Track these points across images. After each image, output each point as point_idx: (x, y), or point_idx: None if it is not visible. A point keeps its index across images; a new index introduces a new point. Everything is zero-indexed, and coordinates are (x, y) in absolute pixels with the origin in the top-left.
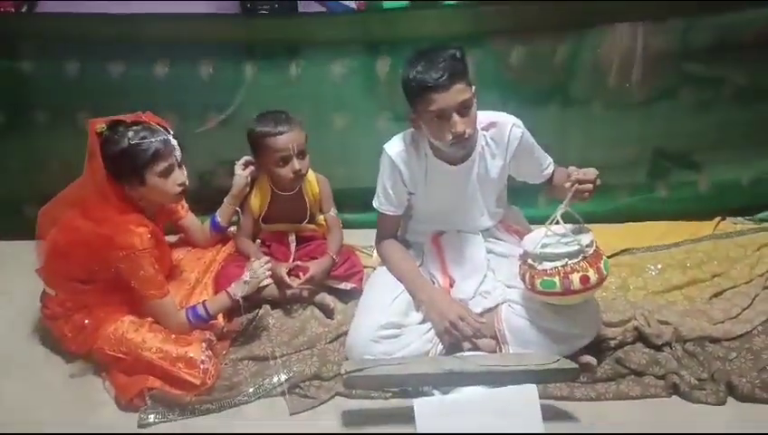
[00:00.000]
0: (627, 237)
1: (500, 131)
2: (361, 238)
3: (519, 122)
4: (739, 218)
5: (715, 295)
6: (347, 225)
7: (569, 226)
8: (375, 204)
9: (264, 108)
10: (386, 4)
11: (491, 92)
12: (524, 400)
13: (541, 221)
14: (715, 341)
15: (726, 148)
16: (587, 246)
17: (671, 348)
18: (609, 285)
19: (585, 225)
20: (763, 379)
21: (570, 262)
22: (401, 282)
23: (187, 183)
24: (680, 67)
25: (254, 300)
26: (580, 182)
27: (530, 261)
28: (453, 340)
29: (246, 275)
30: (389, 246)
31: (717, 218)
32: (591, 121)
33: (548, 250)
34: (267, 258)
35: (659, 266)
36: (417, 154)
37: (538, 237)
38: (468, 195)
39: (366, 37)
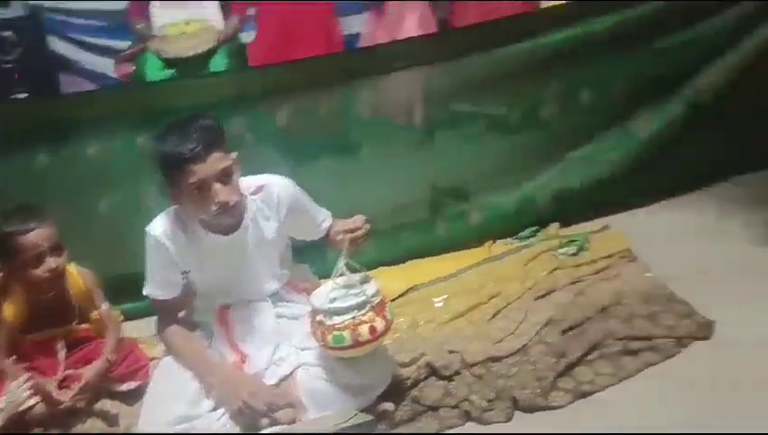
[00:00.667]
0: (412, 276)
1: (269, 193)
2: (144, 328)
3: (287, 181)
4: (508, 239)
5: (494, 315)
6: (129, 316)
7: (354, 276)
8: (146, 291)
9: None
10: (149, 76)
11: (265, 154)
12: None
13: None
14: (497, 359)
15: (491, 177)
16: (372, 295)
17: (461, 376)
18: (400, 325)
19: (368, 273)
20: (542, 387)
21: (357, 314)
22: (187, 367)
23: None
24: (444, 107)
25: (21, 427)
26: (351, 231)
27: (319, 317)
28: (249, 420)
29: (1, 401)
30: (171, 333)
31: (488, 243)
32: (369, 168)
33: (336, 304)
34: (27, 375)
35: (444, 297)
36: (184, 230)
37: (325, 292)
38: (248, 264)
39: (130, 111)
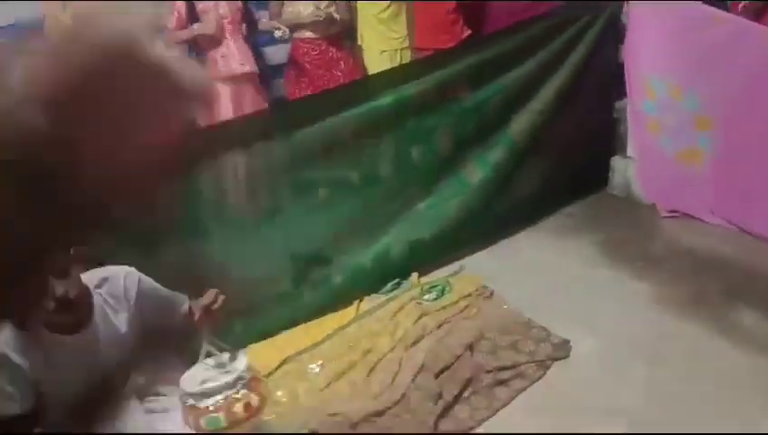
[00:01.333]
0: (284, 347)
1: (114, 284)
2: None
3: (131, 269)
4: (373, 296)
5: (371, 371)
6: None
7: (223, 355)
8: None
9: None
10: None
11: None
12: None
13: None
14: (380, 413)
15: (345, 238)
16: (243, 371)
17: None
18: (280, 398)
19: (236, 351)
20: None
21: (230, 393)
22: None
23: None
24: (288, 178)
25: None
26: (206, 308)
27: (191, 402)
28: None
29: None
30: None
31: (356, 302)
32: (222, 248)
33: (207, 386)
34: None
35: (320, 363)
36: (22, 339)
37: (195, 375)
38: (102, 363)
39: None
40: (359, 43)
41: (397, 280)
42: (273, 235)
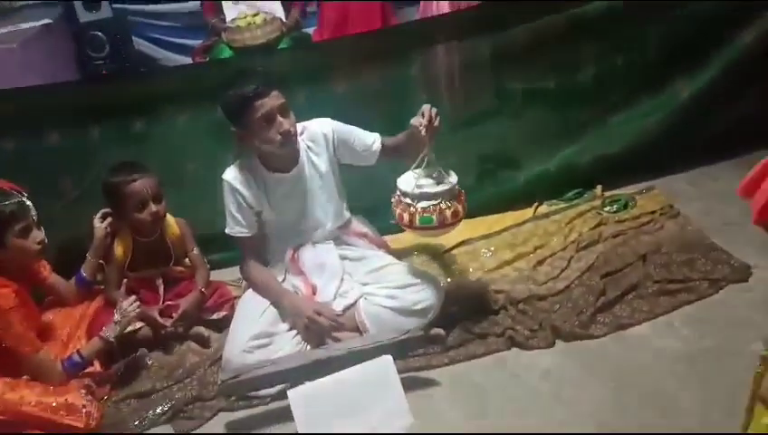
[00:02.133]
0: (463, 231)
1: (312, 132)
2: (228, 275)
3: (325, 119)
4: (553, 201)
5: (539, 263)
6: (214, 265)
7: (434, 168)
8: (227, 230)
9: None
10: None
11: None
12: (382, 369)
13: (384, 232)
14: (542, 298)
15: (538, 142)
16: (455, 184)
17: (506, 310)
18: (453, 271)
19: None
20: (581, 320)
21: (443, 200)
22: (265, 296)
23: (46, 240)
24: (493, 81)
25: (130, 344)
26: (429, 120)
27: (408, 200)
28: (316, 337)
29: (117, 316)
30: (251, 267)
31: (535, 204)
32: None
33: (425, 190)
34: (134, 297)
35: (492, 249)
36: (252, 174)
37: (411, 179)
38: (310, 197)
39: (204, 87)
40: None
41: (580, 189)
42: (464, 133)
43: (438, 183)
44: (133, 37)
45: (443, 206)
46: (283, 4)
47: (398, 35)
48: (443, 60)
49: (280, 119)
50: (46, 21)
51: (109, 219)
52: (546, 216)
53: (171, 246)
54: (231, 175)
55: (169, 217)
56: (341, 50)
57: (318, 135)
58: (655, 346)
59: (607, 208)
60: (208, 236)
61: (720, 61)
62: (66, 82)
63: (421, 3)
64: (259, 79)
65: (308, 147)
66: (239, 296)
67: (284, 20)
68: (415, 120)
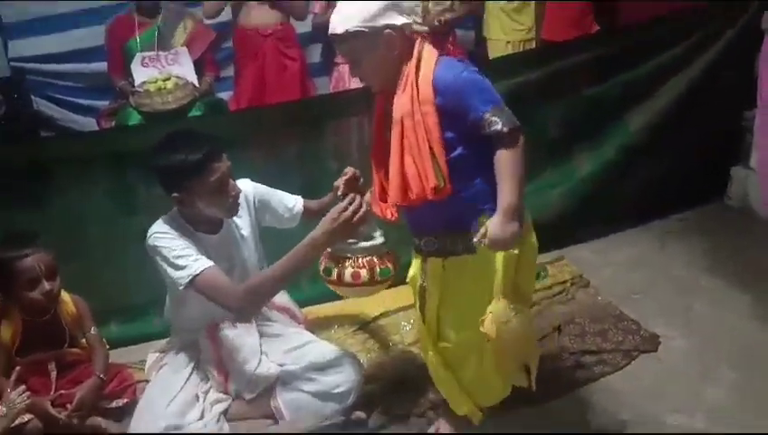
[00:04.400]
0: (384, 302)
1: None
2: (131, 355)
3: (246, 180)
4: None
5: None
6: (116, 343)
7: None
8: (184, 278)
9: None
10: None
11: None
12: None
13: (304, 303)
14: None
15: None
16: (384, 242)
17: (426, 389)
18: (372, 345)
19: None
20: None
21: (375, 256)
22: (293, 270)
23: None
24: None
25: None
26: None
27: (338, 254)
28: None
29: (2, 408)
30: (247, 286)
31: None
32: None
33: (358, 244)
34: (23, 387)
35: (411, 321)
36: (183, 232)
37: None
38: (232, 263)
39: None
40: (483, 33)
41: None
42: None
43: (367, 239)
44: (33, 97)
45: (376, 261)
46: (196, 67)
47: (316, 106)
48: (358, 131)
49: (232, 181)
50: None
51: None
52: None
53: (66, 326)
54: (164, 228)
55: (65, 295)
56: (260, 119)
57: (239, 196)
58: (570, 421)
59: None
60: (111, 309)
61: (614, 139)
62: None
63: (333, 75)
64: (208, 140)
65: None
66: (142, 381)
67: (197, 84)
68: (337, 181)
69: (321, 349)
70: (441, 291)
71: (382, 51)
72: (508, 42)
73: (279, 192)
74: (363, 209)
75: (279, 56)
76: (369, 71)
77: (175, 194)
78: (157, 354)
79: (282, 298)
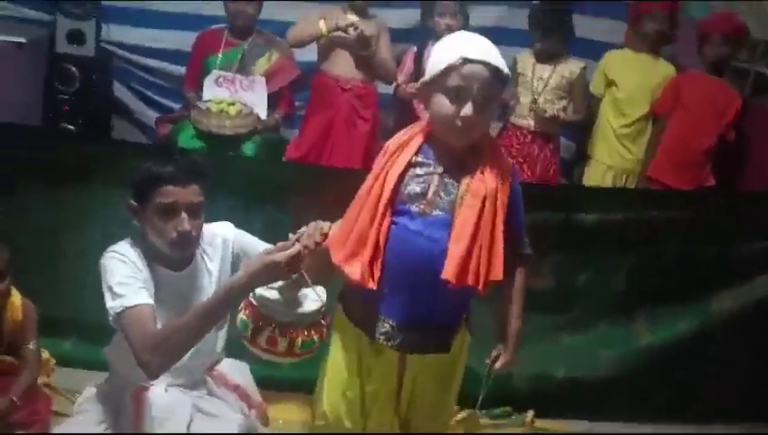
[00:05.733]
0: None
1: (212, 235)
2: (77, 381)
3: (227, 223)
4: (477, 412)
5: None
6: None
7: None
8: (118, 304)
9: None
10: (180, 141)
11: None
12: None
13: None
14: None
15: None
16: (317, 310)
17: None
18: None
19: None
20: None
21: (297, 325)
22: (209, 316)
23: None
24: None
25: None
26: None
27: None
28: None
29: None
30: (166, 331)
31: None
32: None
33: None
34: None
35: None
36: (140, 258)
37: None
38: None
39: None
40: (587, 152)
41: (508, 408)
42: None
43: (302, 300)
44: (114, 81)
45: (300, 331)
46: (270, 99)
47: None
48: None
49: (183, 216)
50: (20, 39)
51: None
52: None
53: (4, 331)
54: (122, 249)
55: (15, 297)
56: (302, 177)
57: (216, 238)
58: None
59: None
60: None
61: (690, 317)
62: None
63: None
64: (185, 165)
65: (204, 250)
66: (63, 415)
67: (263, 117)
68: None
69: None
70: (414, 384)
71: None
72: (610, 167)
73: (263, 243)
74: (295, 252)
75: (352, 113)
76: (487, 118)
77: (131, 201)
78: (93, 390)
79: (238, 375)
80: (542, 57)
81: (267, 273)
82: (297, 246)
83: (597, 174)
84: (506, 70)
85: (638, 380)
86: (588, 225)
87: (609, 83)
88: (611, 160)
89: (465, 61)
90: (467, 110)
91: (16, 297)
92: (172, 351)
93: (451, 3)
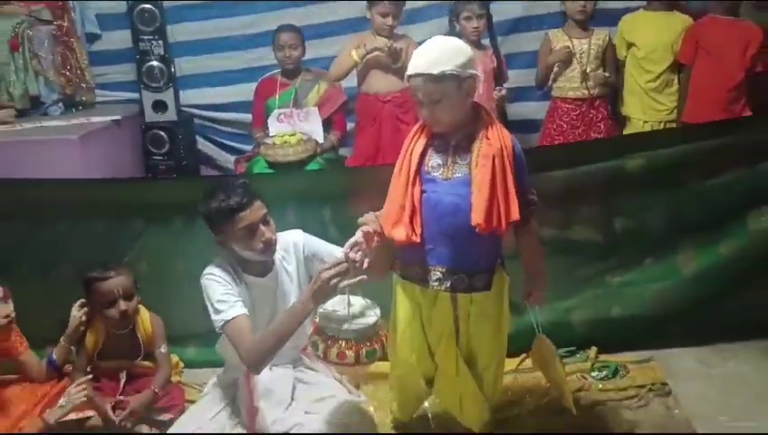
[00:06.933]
0: None
1: (285, 241)
2: (202, 377)
3: (296, 230)
4: None
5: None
6: (191, 364)
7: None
8: (220, 322)
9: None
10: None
11: None
12: None
13: None
14: None
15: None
16: (372, 324)
17: None
18: None
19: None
20: None
21: (357, 340)
22: (288, 327)
23: (13, 315)
24: None
25: (80, 433)
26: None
27: (326, 332)
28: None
29: (62, 400)
30: (256, 344)
31: (522, 356)
32: None
33: (346, 327)
34: (85, 380)
35: None
36: (232, 274)
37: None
38: (279, 306)
39: None
40: (621, 111)
41: (573, 348)
42: None
43: (359, 317)
44: (198, 137)
45: (363, 344)
46: (324, 127)
47: None
48: None
49: (262, 228)
50: (115, 117)
51: (85, 309)
52: (531, 370)
53: (141, 341)
54: (215, 271)
55: (144, 313)
56: (357, 177)
57: (289, 244)
58: None
59: (594, 374)
60: (191, 333)
61: (731, 239)
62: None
63: None
64: (242, 191)
65: (282, 256)
66: (191, 401)
67: (321, 141)
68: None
69: (339, 404)
70: (468, 323)
71: (463, 95)
72: (646, 122)
73: (330, 244)
74: (343, 268)
75: (395, 120)
76: (446, 110)
77: (215, 237)
78: (214, 379)
79: None
80: (575, 33)
81: (320, 289)
82: (344, 264)
83: (634, 130)
84: (437, 70)
85: (687, 308)
86: (630, 171)
87: (629, 45)
88: (645, 115)
89: (409, 77)
90: (424, 113)
91: (145, 313)
92: (266, 354)
93: (476, 5)
